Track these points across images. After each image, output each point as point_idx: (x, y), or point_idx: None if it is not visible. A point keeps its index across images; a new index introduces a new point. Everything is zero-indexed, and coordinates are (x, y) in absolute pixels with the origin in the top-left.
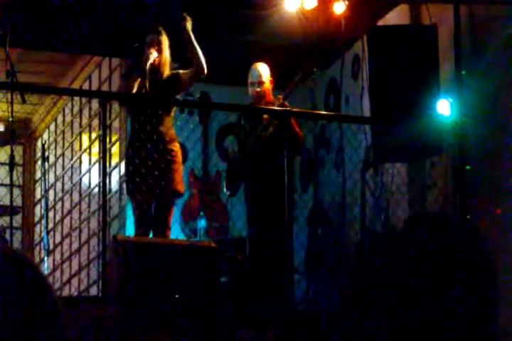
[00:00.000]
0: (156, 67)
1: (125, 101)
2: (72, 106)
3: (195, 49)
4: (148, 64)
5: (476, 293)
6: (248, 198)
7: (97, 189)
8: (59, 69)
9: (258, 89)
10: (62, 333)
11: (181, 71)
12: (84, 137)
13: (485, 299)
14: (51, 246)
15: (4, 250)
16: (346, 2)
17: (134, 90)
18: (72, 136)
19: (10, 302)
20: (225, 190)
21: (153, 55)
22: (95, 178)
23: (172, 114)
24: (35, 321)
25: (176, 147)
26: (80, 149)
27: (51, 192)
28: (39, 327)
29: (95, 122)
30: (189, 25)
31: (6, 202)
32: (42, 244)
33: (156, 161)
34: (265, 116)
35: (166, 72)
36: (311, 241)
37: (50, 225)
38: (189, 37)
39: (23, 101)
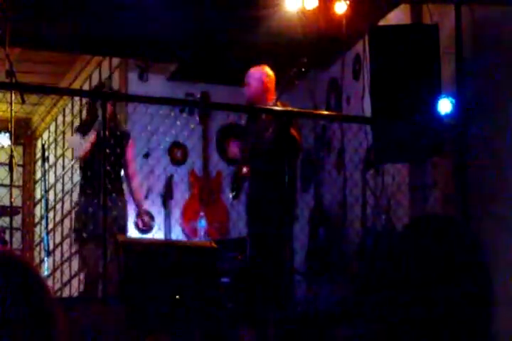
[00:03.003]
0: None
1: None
2: (73, 106)
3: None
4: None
5: (473, 293)
6: (249, 198)
7: None
8: (59, 69)
9: (245, 89)
10: (60, 334)
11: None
12: None
13: (482, 298)
14: (51, 247)
15: (2, 252)
16: (347, 2)
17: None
18: None
19: (7, 303)
20: (230, 195)
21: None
22: None
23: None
24: (32, 322)
25: (122, 200)
26: None
27: (51, 193)
28: (36, 328)
29: None
30: None
31: (6, 202)
32: (42, 244)
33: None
34: (266, 116)
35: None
36: (312, 241)
37: (50, 226)
38: None
39: (23, 102)
